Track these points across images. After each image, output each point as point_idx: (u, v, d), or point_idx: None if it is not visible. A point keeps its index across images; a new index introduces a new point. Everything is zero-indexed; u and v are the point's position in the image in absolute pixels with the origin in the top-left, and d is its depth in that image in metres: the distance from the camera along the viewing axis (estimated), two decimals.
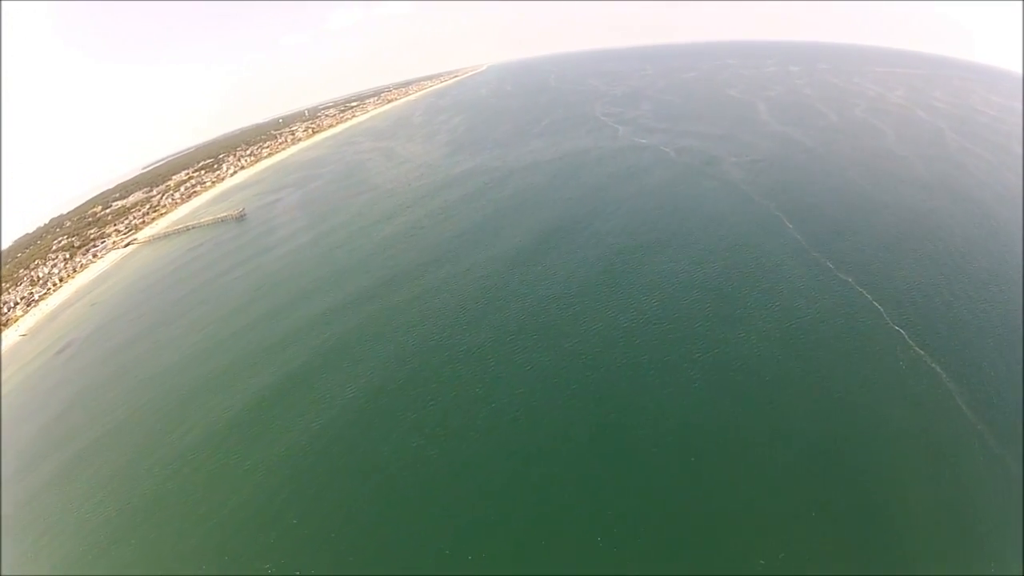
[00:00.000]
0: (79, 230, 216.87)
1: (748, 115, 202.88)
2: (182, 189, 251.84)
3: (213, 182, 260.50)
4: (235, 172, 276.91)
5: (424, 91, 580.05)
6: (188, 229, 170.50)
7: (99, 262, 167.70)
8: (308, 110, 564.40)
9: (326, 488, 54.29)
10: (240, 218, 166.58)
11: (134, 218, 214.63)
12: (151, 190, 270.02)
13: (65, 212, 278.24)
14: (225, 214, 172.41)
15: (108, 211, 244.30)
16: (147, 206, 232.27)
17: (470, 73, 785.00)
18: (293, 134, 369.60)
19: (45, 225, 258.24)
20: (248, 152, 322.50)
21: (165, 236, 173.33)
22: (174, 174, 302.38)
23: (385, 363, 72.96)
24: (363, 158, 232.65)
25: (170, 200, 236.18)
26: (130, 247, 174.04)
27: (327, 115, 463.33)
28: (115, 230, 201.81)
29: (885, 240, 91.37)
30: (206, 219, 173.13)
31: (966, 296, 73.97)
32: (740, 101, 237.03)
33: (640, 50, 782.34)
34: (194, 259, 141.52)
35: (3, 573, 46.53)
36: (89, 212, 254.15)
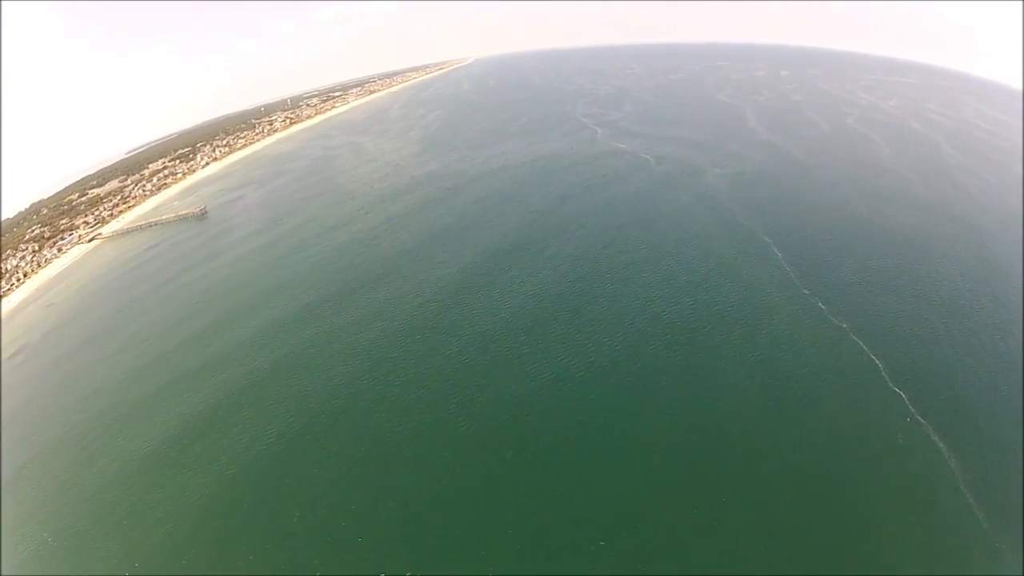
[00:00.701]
0: (53, 219, 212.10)
1: (736, 121, 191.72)
2: (154, 180, 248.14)
3: (184, 173, 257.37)
4: (208, 163, 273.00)
5: (407, 83, 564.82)
6: (150, 226, 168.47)
7: (63, 257, 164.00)
8: (291, 99, 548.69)
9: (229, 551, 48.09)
10: (200, 216, 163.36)
11: (104, 209, 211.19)
12: (126, 179, 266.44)
13: (46, 197, 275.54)
14: (187, 211, 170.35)
15: (83, 199, 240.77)
16: (119, 197, 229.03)
17: (456, 66, 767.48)
18: (272, 124, 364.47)
19: (25, 211, 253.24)
20: (224, 142, 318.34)
21: (127, 232, 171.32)
22: (151, 162, 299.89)
23: (308, 405, 64.70)
24: (333, 153, 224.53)
25: (141, 191, 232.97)
26: (94, 242, 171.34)
27: (308, 105, 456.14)
28: (84, 222, 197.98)
29: (883, 275, 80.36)
30: (168, 216, 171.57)
31: (968, 349, 64.51)
32: (728, 106, 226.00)
33: (632, 48, 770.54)
34: (149, 260, 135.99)
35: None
36: (66, 200, 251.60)
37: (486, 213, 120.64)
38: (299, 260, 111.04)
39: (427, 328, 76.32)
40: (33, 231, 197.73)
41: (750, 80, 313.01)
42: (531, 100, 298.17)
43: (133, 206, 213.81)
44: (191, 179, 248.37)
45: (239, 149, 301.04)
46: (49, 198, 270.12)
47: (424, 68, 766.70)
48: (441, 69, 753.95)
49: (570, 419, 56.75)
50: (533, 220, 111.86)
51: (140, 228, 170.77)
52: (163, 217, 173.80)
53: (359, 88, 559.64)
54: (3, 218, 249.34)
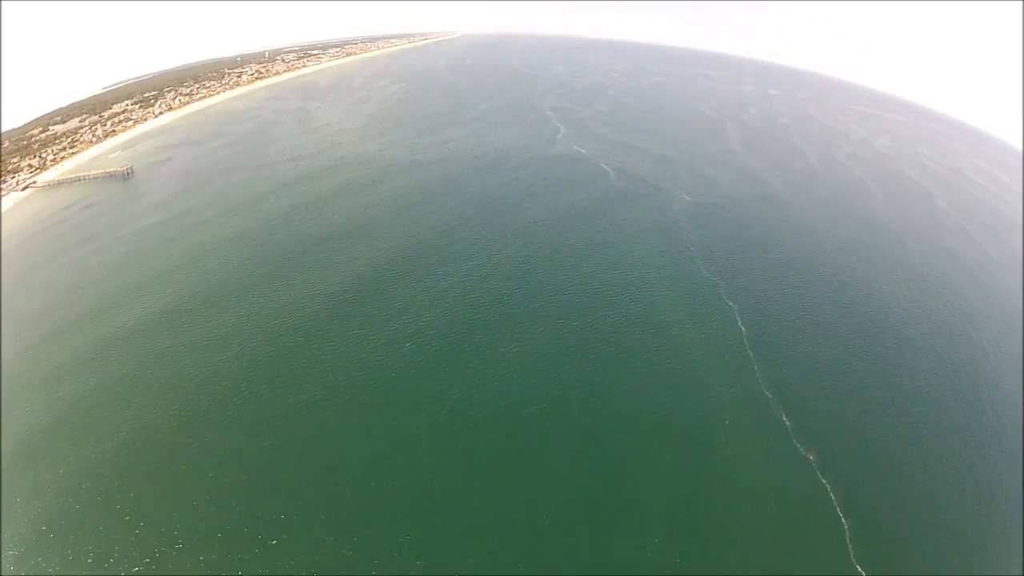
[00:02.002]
0: (7, 155, 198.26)
1: (715, 139, 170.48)
2: (108, 124, 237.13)
3: (136, 121, 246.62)
4: (162, 113, 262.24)
5: (386, 50, 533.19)
6: (78, 180, 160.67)
7: None
8: (269, 52, 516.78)
9: None
10: (125, 176, 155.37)
11: (52, 152, 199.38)
12: (85, 119, 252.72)
13: (18, 126, 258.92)
14: (114, 169, 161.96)
15: (42, 135, 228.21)
16: (69, 140, 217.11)
17: (441, 39, 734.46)
18: (239, 77, 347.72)
19: None
20: (188, 91, 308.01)
21: (58, 184, 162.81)
22: (117, 102, 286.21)
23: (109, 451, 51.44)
24: (279, 119, 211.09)
25: (91, 136, 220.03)
26: (28, 191, 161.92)
27: (284, 60, 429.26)
28: (28, 164, 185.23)
29: (869, 395, 61.83)
30: (96, 172, 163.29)
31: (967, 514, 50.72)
32: (709, 120, 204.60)
33: (623, 44, 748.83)
34: (60, 222, 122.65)
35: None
36: (28, 133, 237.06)
37: (401, 210, 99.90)
38: (181, 248, 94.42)
39: (271, 378, 59.88)
40: None
41: (737, 94, 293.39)
42: (501, 85, 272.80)
43: (76, 152, 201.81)
44: (140, 128, 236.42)
45: (197, 100, 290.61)
46: (18, 128, 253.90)
47: (409, 36, 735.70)
48: (425, 40, 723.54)
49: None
50: (445, 232, 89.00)
51: (69, 181, 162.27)
52: (91, 172, 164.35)
53: (338, 49, 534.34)
54: None
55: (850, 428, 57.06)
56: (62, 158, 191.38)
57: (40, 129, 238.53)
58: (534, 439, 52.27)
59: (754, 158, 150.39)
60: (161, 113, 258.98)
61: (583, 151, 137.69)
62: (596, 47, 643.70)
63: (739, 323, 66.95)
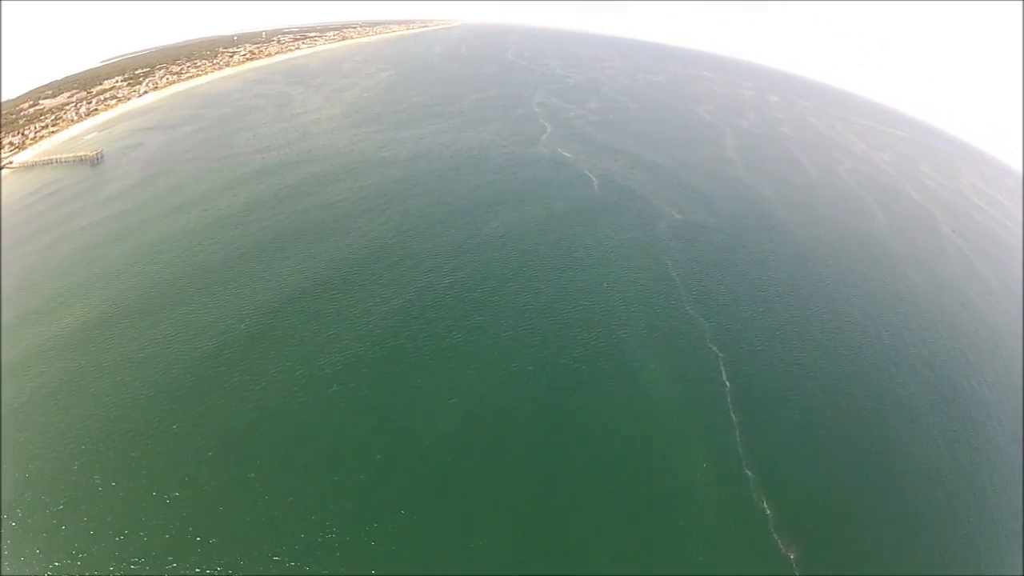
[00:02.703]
0: None
1: (712, 146, 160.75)
2: (94, 102, 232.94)
3: (119, 100, 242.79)
4: (146, 92, 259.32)
5: (383, 36, 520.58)
6: (50, 163, 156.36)
7: None
8: (266, 32, 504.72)
9: None
10: (95, 162, 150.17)
11: (35, 129, 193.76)
12: (74, 94, 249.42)
13: (8, 99, 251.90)
14: (84, 153, 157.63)
15: (32, 110, 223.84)
16: (55, 116, 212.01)
17: (440, 27, 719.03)
18: (232, 57, 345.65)
19: None
20: (178, 69, 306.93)
21: (31, 166, 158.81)
22: (109, 78, 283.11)
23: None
24: (258, 103, 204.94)
25: (74, 114, 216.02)
26: (3, 171, 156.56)
27: (278, 41, 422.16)
28: (10, 142, 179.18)
29: (860, 477, 52.73)
30: (68, 155, 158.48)
31: None
32: (707, 124, 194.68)
33: (625, 41, 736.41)
34: (20, 210, 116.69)
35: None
36: (18, 107, 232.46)
37: (351, 220, 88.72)
38: (131, 248, 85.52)
39: (183, 414, 51.84)
40: None
41: (736, 98, 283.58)
42: (492, 77, 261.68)
43: (57, 131, 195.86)
44: (122, 108, 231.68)
45: (185, 80, 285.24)
46: (12, 100, 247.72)
47: (408, 23, 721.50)
48: (424, 27, 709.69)
49: None
50: (398, 243, 79.39)
51: (42, 164, 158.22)
52: (63, 156, 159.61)
53: (335, 32, 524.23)
54: None
55: (837, 517, 48.51)
56: (42, 137, 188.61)
57: (30, 103, 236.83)
58: (468, 519, 42.67)
59: (751, 169, 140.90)
60: (146, 92, 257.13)
61: (567, 154, 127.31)
62: (596, 42, 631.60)
63: (724, 376, 57.38)
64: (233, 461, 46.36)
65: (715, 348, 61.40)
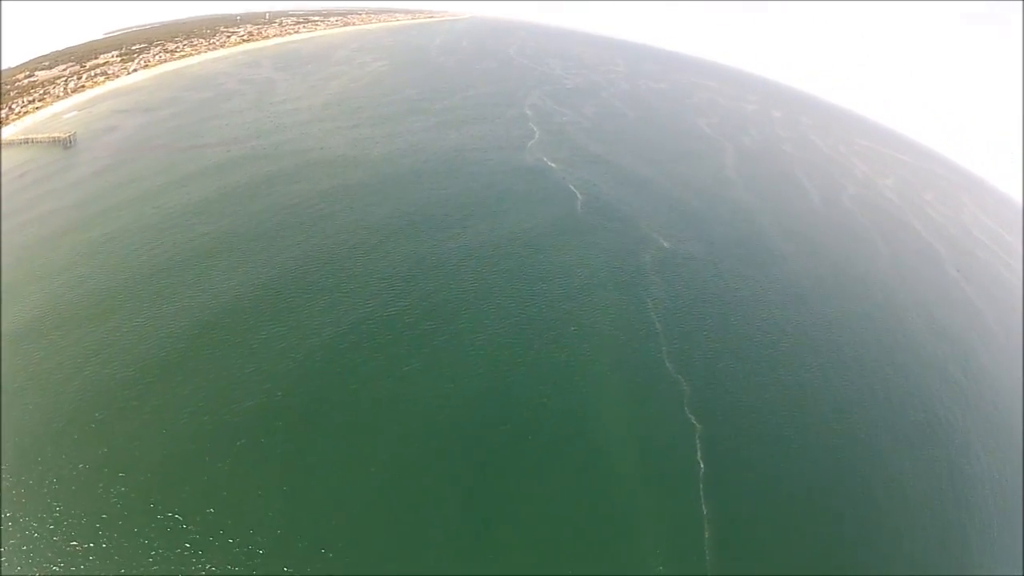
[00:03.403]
0: None
1: (710, 163, 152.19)
2: (84, 77, 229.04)
3: (108, 77, 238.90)
4: (136, 70, 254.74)
5: (385, 24, 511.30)
6: (26, 142, 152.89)
7: None
8: (269, 13, 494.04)
9: None
10: (67, 144, 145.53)
11: (21, 103, 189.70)
12: (67, 68, 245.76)
13: (11, 67, 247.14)
14: (58, 134, 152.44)
15: (26, 81, 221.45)
16: (43, 90, 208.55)
17: (446, 19, 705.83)
18: (229, 37, 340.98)
19: None
20: (173, 47, 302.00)
21: (8, 144, 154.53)
22: (104, 53, 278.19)
23: None
24: (242, 88, 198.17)
25: (62, 90, 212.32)
26: None
27: (279, 24, 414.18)
28: None
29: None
30: (43, 136, 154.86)
31: None
32: (706, 138, 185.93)
33: (634, 46, 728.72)
34: None
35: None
36: (13, 77, 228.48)
37: (300, 228, 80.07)
38: (73, 245, 78.35)
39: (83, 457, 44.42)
40: None
41: (738, 112, 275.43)
42: (488, 73, 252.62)
43: (41, 107, 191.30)
44: (109, 86, 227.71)
45: (177, 59, 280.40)
46: (10, 69, 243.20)
47: (415, 13, 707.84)
48: (431, 18, 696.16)
49: None
50: (347, 258, 71.27)
51: (19, 143, 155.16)
52: (39, 135, 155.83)
53: (339, 17, 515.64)
54: None
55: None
56: (26, 112, 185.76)
57: (26, 74, 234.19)
58: None
59: (750, 190, 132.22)
60: (136, 71, 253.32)
61: (553, 164, 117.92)
62: (603, 44, 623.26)
63: (699, 454, 48.37)
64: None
65: (692, 417, 52.42)
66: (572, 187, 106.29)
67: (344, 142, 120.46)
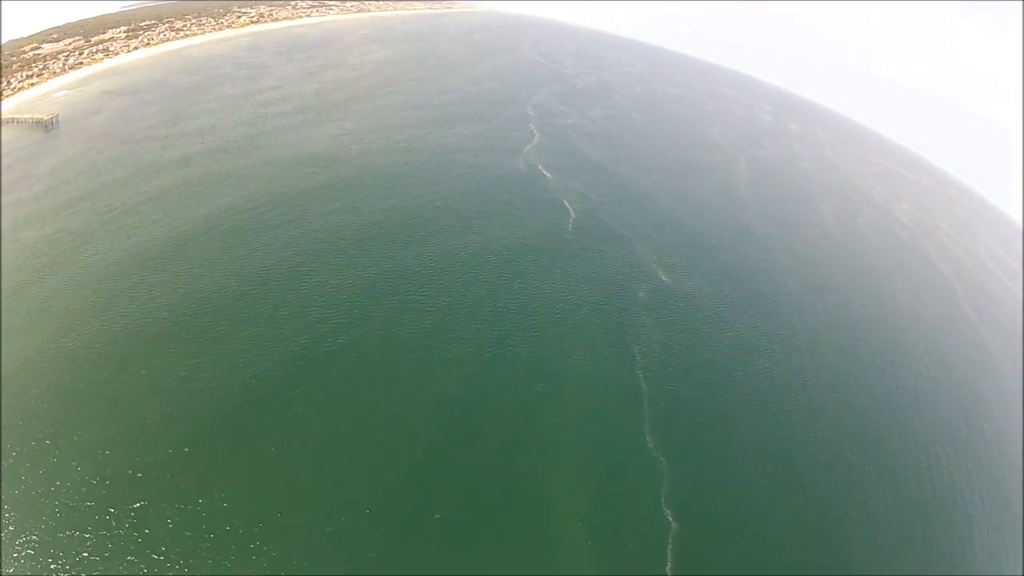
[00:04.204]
0: None
1: (721, 179, 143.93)
2: (87, 52, 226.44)
3: (107, 55, 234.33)
4: (137, 48, 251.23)
5: (400, 12, 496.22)
6: (11, 122, 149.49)
7: None
8: None
9: None
10: (48, 127, 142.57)
11: (20, 78, 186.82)
12: (73, 42, 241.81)
13: (18, 38, 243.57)
14: (40, 116, 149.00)
15: (32, 53, 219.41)
16: (43, 65, 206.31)
17: (463, 11, 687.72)
18: (239, 18, 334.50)
19: None
20: (181, 25, 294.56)
21: None
22: (114, 27, 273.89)
23: None
24: (234, 73, 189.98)
25: (61, 65, 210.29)
26: None
27: (293, 6, 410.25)
28: None
29: None
30: (27, 116, 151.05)
31: None
32: (718, 148, 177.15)
33: (652, 50, 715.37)
34: None
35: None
36: (20, 49, 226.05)
37: (237, 237, 71.60)
38: (22, 244, 72.30)
39: None
40: None
41: (753, 123, 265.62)
42: (494, 68, 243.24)
43: (38, 83, 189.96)
44: (106, 64, 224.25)
45: (180, 39, 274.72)
46: (19, 40, 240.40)
47: (433, 3, 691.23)
48: (448, 9, 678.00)
49: None
50: (286, 276, 63.10)
51: (6, 122, 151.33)
52: (24, 116, 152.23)
53: (355, 3, 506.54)
54: None
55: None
56: (22, 88, 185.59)
57: (33, 46, 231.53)
58: None
59: (762, 213, 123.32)
60: (136, 48, 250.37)
61: (547, 173, 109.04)
62: (622, 45, 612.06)
63: (669, 554, 39.54)
64: None
65: (668, 513, 43.67)
66: (565, 200, 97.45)
67: (324, 137, 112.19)
